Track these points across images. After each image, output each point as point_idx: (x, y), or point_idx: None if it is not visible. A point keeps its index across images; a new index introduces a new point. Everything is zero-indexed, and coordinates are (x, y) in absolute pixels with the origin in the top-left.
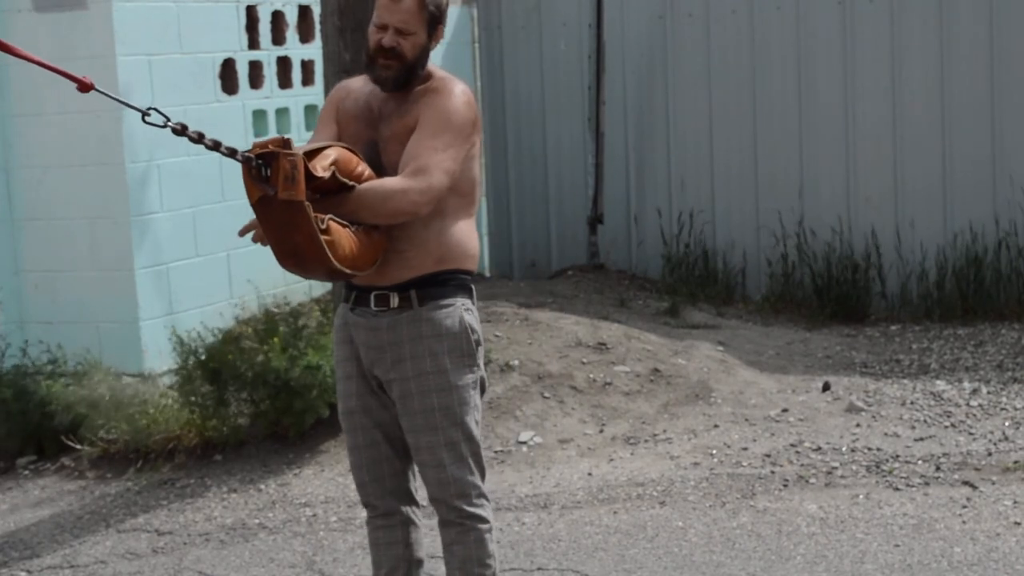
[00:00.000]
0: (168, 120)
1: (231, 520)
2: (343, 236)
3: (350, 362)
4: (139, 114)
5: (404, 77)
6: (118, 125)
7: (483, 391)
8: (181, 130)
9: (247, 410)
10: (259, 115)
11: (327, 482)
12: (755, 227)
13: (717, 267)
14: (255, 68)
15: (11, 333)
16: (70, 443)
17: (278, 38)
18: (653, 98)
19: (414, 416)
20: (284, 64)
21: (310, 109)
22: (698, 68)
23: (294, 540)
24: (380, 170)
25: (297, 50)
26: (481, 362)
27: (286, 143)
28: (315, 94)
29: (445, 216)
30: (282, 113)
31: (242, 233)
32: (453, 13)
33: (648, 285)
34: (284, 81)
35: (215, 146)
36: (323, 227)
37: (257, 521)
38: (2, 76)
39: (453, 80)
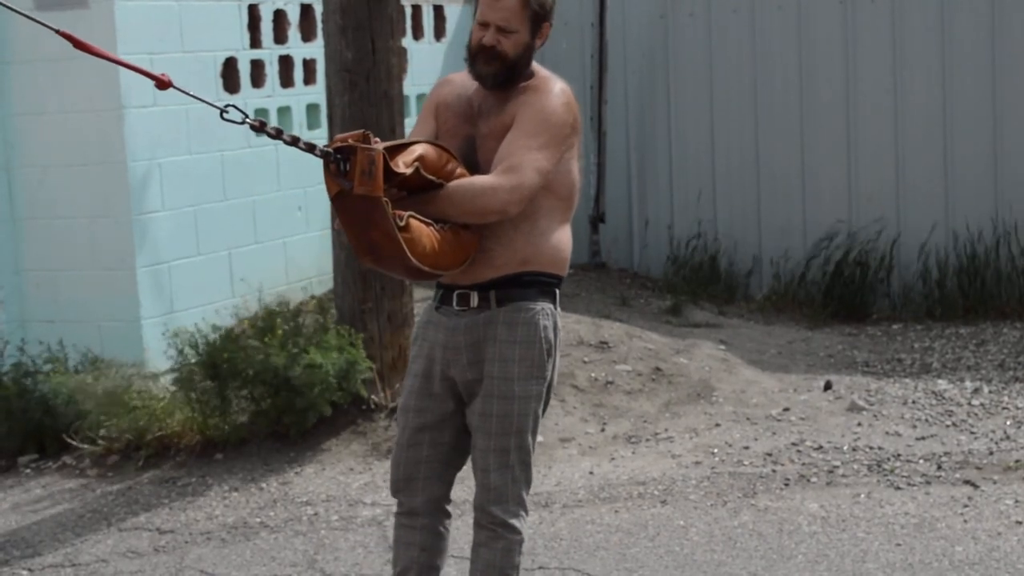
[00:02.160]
0: (247, 117)
1: (232, 519)
2: (424, 234)
3: (420, 360)
4: (216, 111)
5: (505, 75)
6: (119, 124)
7: (547, 403)
8: (259, 126)
9: (248, 408)
10: (261, 114)
11: (328, 481)
12: (756, 226)
13: (719, 266)
14: (257, 67)
15: (12, 332)
16: (71, 441)
17: (280, 37)
18: (655, 97)
19: (473, 416)
20: (286, 63)
21: (312, 108)
22: (700, 67)
23: (295, 539)
24: (475, 167)
25: (299, 49)
26: (551, 373)
27: (366, 138)
28: (317, 93)
29: (538, 217)
30: (284, 112)
31: (337, 226)
32: (454, 13)
33: (650, 284)
34: (286, 80)
35: (293, 141)
36: (402, 224)
37: (258, 520)
38: (3, 76)
39: (554, 79)
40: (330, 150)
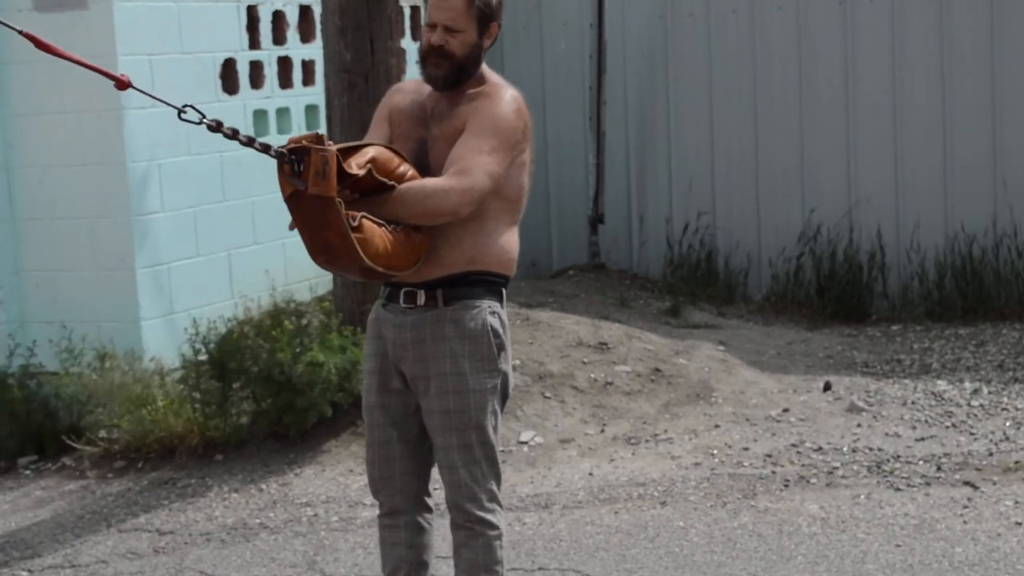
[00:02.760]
0: (204, 117)
1: (232, 520)
2: (376, 235)
3: (375, 358)
4: (175, 111)
5: (454, 76)
6: (119, 124)
7: (506, 397)
8: (216, 127)
9: (249, 409)
10: (260, 115)
11: (328, 482)
12: (756, 226)
13: (718, 267)
14: (256, 68)
15: (13, 332)
16: (71, 443)
17: (279, 38)
18: (654, 98)
19: (431, 416)
20: (285, 64)
21: (311, 109)
22: (699, 68)
23: (295, 540)
24: (426, 169)
25: (298, 50)
26: (504, 366)
27: (320, 139)
28: (316, 94)
29: (485, 219)
30: (283, 113)
31: (292, 227)
32: None
33: (649, 285)
34: (285, 81)
35: (249, 142)
36: (355, 224)
37: (258, 521)
38: (3, 76)
39: (504, 86)
40: (284, 151)
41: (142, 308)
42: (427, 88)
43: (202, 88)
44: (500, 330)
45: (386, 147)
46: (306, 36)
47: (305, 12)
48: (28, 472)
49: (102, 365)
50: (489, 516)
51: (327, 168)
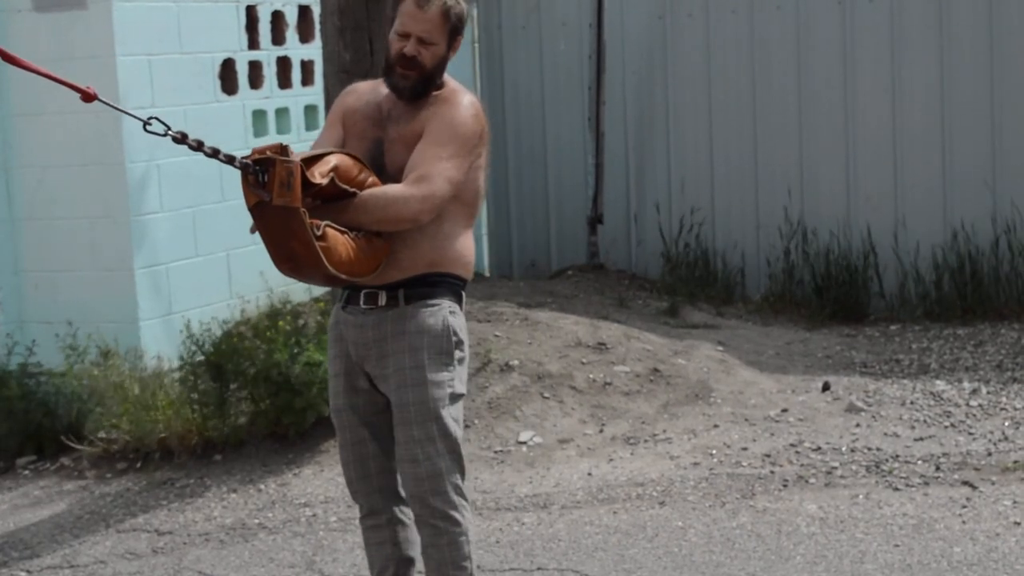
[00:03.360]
0: (168, 129)
1: (231, 520)
2: (339, 243)
3: (339, 360)
4: (140, 123)
5: (421, 87)
6: (118, 125)
7: (462, 396)
8: (181, 139)
9: (247, 409)
10: (259, 115)
11: (327, 482)
12: (755, 227)
13: (717, 267)
14: (255, 68)
15: (12, 332)
16: (70, 443)
17: (278, 38)
18: (653, 98)
19: (394, 410)
20: (284, 64)
21: (310, 109)
22: (698, 68)
23: (294, 540)
24: (382, 170)
25: (297, 50)
26: (461, 364)
27: (283, 150)
28: (315, 94)
29: (443, 222)
30: (282, 113)
31: (253, 230)
32: None
33: (648, 285)
34: (284, 81)
35: (214, 153)
36: (319, 234)
37: (257, 521)
38: (2, 76)
39: (462, 91)
40: (249, 162)
41: (141, 308)
42: (383, 90)
43: (201, 88)
44: (459, 330)
45: (347, 154)
46: (305, 36)
47: (304, 12)
48: (27, 472)
49: (105, 362)
50: (455, 513)
51: (291, 179)
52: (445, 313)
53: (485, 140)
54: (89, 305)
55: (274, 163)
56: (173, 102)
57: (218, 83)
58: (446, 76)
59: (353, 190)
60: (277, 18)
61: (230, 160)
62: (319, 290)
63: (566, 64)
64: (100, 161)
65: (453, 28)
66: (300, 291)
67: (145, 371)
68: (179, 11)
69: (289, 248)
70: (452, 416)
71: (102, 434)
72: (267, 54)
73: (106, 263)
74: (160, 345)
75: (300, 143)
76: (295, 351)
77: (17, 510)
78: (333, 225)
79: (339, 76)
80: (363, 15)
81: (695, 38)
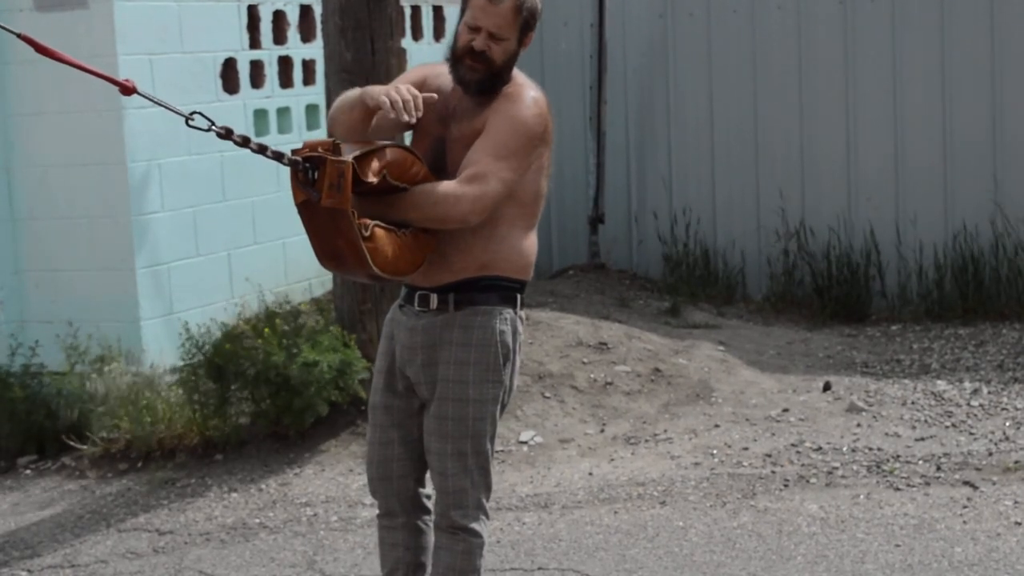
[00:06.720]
0: (212, 124)
1: (232, 520)
2: (386, 242)
3: (384, 357)
4: (182, 118)
5: (489, 83)
6: (119, 124)
7: (504, 406)
8: (226, 134)
9: (248, 409)
10: (260, 114)
11: (328, 482)
12: (756, 226)
13: (718, 267)
14: (256, 67)
15: (13, 332)
16: (71, 443)
17: (279, 37)
18: (654, 98)
19: (429, 420)
20: (285, 63)
21: (311, 108)
22: (699, 67)
23: (295, 540)
24: (442, 169)
25: (298, 49)
26: (507, 379)
27: (335, 148)
28: (316, 94)
29: (498, 223)
30: (283, 112)
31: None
32: (453, 13)
33: (649, 285)
34: (285, 81)
35: (260, 149)
36: (367, 235)
37: (258, 521)
38: (3, 76)
39: (529, 87)
40: (298, 159)
41: (142, 308)
42: (450, 80)
43: (202, 88)
44: (510, 340)
45: (402, 147)
46: (307, 36)
47: (306, 12)
48: (28, 472)
49: (104, 362)
50: (474, 525)
51: (342, 180)
52: (495, 323)
53: (548, 140)
54: (90, 305)
55: (325, 162)
56: (174, 101)
57: (219, 82)
58: (515, 71)
59: (404, 185)
60: (279, 17)
61: (278, 156)
62: (322, 289)
63: (568, 64)
64: (101, 161)
65: (525, 23)
66: (303, 291)
67: (145, 372)
68: (180, 10)
69: (335, 246)
70: (489, 434)
71: (103, 434)
72: (269, 53)
73: (107, 263)
74: (161, 345)
75: (300, 143)
76: (294, 351)
77: (18, 510)
78: (382, 224)
79: (340, 76)
80: (365, 15)
81: (696, 38)
